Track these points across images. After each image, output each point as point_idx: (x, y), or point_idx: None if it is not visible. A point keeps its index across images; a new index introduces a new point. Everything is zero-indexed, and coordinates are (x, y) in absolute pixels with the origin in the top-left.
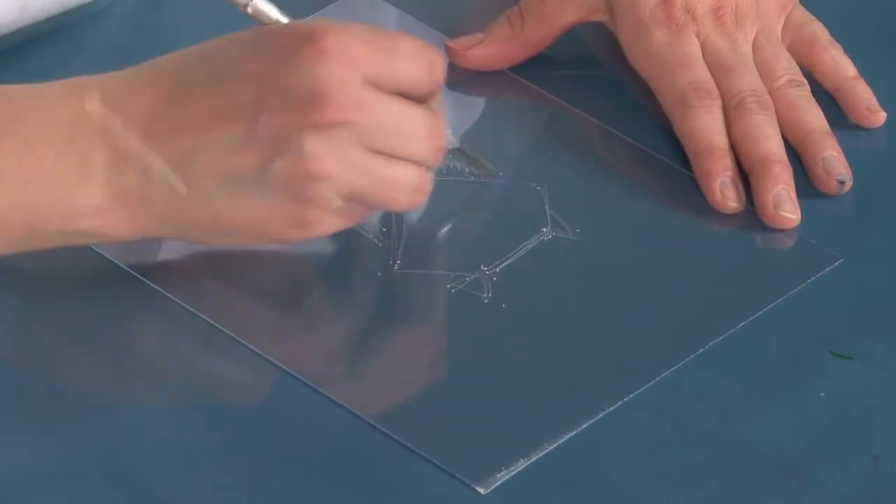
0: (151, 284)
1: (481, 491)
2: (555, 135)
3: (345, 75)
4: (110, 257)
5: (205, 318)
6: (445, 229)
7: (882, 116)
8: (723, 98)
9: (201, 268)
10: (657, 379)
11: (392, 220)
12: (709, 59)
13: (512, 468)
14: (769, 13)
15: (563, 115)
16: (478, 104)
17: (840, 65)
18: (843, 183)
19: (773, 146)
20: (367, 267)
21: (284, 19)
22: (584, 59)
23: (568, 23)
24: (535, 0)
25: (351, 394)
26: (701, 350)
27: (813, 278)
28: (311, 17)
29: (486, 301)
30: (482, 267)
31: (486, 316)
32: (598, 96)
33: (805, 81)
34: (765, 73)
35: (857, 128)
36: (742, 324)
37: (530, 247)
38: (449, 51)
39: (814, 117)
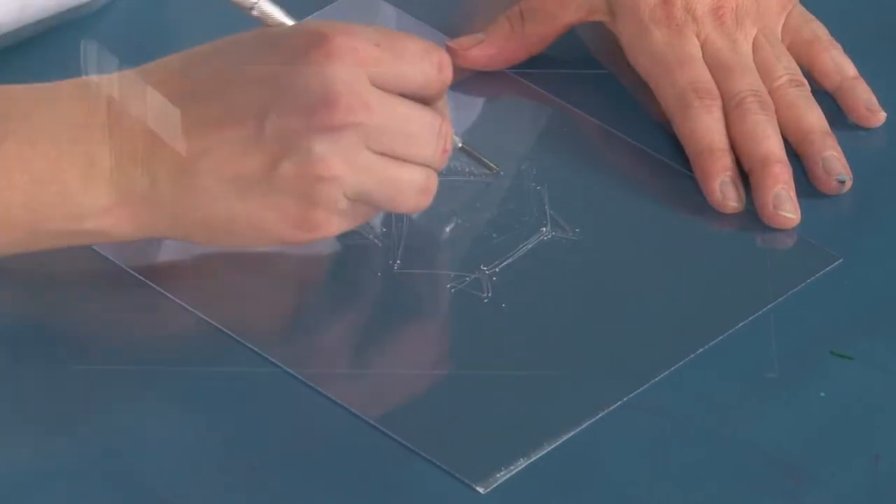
0: (151, 284)
1: (481, 491)
2: (555, 135)
3: (353, 77)
4: (110, 257)
5: (205, 318)
6: (448, 229)
7: (882, 116)
8: (723, 98)
9: (201, 268)
10: (657, 379)
11: (392, 220)
12: (709, 59)
13: (512, 468)
14: (769, 13)
15: (563, 115)
16: (478, 104)
17: (840, 65)
18: (843, 183)
19: (773, 146)
20: (367, 267)
21: (289, 21)
22: (584, 59)
23: (568, 23)
24: (535, 0)
25: (351, 394)
26: (701, 350)
27: (813, 278)
28: (310, 17)
29: (486, 301)
30: (482, 267)
31: (486, 316)
32: (598, 96)
33: (805, 81)
34: (765, 73)
35: (857, 128)
36: (742, 324)
37: (530, 247)
38: (449, 51)
39: (814, 117)
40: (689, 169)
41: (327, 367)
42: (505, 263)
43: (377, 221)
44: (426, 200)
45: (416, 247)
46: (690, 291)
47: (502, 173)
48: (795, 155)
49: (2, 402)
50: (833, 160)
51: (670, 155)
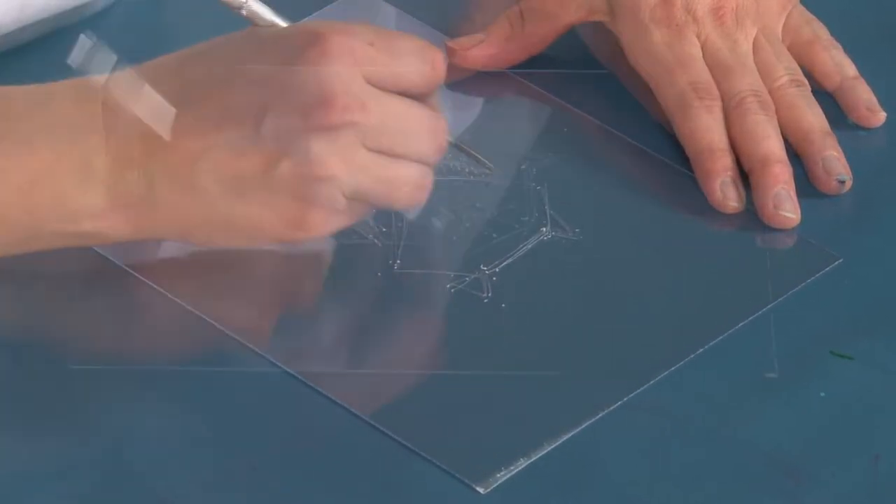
0: (151, 284)
1: (481, 491)
2: (555, 135)
3: (349, 77)
4: (110, 257)
5: (205, 317)
6: (440, 223)
7: (882, 116)
8: (723, 98)
9: (201, 268)
10: (657, 379)
11: (392, 220)
12: (709, 60)
13: (512, 468)
14: (769, 13)
15: (563, 115)
16: (478, 104)
17: (840, 65)
18: (843, 183)
19: (773, 146)
20: (367, 267)
21: (278, 20)
22: (584, 59)
23: (568, 23)
24: (535, 0)
25: (351, 394)
26: (701, 350)
27: (813, 278)
28: (309, 17)
29: (485, 301)
30: (482, 267)
31: (486, 315)
32: (598, 96)
33: (805, 81)
34: (765, 73)
35: (857, 128)
36: (742, 324)
37: (530, 247)
38: (449, 51)
39: (814, 117)
40: (689, 169)
41: (328, 366)
42: (505, 263)
43: (376, 221)
44: (422, 196)
45: (416, 247)
46: (690, 291)
47: (495, 171)
48: (795, 155)
49: (2, 402)
50: (833, 160)
51: (670, 155)
